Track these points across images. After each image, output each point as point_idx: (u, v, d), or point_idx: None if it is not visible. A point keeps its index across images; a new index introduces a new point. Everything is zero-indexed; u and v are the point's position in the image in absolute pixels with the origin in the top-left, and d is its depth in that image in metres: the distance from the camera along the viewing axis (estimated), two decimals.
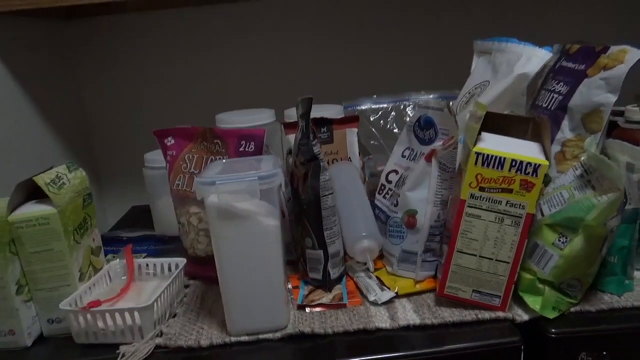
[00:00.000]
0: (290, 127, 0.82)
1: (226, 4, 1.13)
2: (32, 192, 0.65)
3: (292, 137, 0.81)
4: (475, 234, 0.60)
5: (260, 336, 0.62)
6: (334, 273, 0.70)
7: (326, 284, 0.69)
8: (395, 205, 0.71)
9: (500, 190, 0.58)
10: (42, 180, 0.63)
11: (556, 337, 0.59)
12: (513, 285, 0.61)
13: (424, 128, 0.71)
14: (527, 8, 1.15)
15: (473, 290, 0.62)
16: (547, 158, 0.58)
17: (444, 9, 1.15)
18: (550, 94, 0.72)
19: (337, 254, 0.70)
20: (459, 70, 0.90)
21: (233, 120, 0.89)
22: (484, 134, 0.61)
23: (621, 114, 0.77)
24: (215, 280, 0.69)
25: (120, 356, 0.60)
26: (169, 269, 0.75)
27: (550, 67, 0.75)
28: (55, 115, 1.04)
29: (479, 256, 0.61)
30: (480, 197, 0.59)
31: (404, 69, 1.18)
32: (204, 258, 0.76)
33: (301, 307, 0.67)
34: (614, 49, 0.65)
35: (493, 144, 0.59)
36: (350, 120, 0.84)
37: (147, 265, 0.75)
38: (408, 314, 0.63)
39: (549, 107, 0.71)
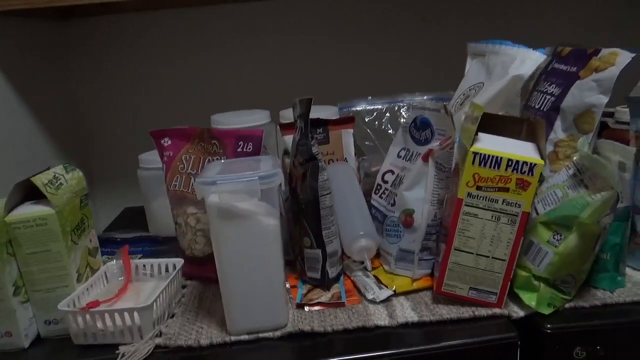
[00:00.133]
0: (286, 127, 0.83)
1: (221, 5, 1.13)
2: (29, 193, 0.65)
3: (288, 138, 0.82)
4: (472, 232, 0.61)
5: (260, 335, 0.62)
6: (332, 272, 0.70)
7: (324, 283, 0.70)
8: (393, 205, 0.72)
9: (496, 189, 0.59)
10: (39, 180, 0.63)
11: (551, 333, 0.61)
12: (509, 283, 0.62)
13: (420, 128, 0.72)
14: (520, 12, 1.17)
15: (470, 287, 0.63)
16: (543, 157, 0.59)
17: (438, 12, 1.17)
18: (542, 96, 0.73)
19: (335, 253, 0.71)
20: (453, 72, 0.91)
21: (229, 121, 0.90)
22: (481, 134, 0.62)
23: (611, 115, 0.79)
24: (213, 280, 0.69)
25: (120, 356, 0.60)
26: (166, 270, 0.75)
27: (542, 69, 0.76)
28: (48, 116, 1.04)
29: (476, 254, 0.62)
30: (477, 196, 0.60)
31: (398, 70, 1.19)
32: (201, 258, 0.76)
33: (300, 306, 0.67)
34: (605, 51, 0.67)
35: (489, 144, 0.60)
36: (346, 121, 0.85)
37: (145, 265, 0.75)
38: (406, 312, 0.64)
39: (542, 108, 0.73)
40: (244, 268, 0.60)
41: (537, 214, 0.64)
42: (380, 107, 0.95)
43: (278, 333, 0.62)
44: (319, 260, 0.69)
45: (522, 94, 0.79)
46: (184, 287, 0.76)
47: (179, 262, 0.73)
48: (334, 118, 0.85)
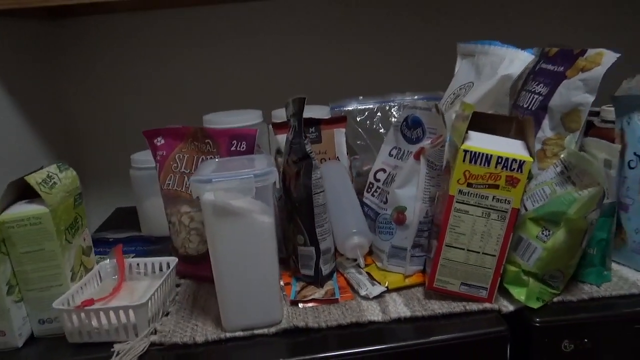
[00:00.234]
0: (279, 127, 0.84)
1: (212, 6, 1.13)
2: (23, 192, 0.65)
3: (280, 137, 0.83)
4: (463, 228, 0.62)
5: (255, 331, 0.63)
6: (325, 269, 0.71)
7: (318, 280, 0.71)
8: (385, 203, 0.73)
9: (487, 186, 0.61)
10: (33, 179, 0.63)
11: (540, 326, 0.62)
12: (499, 278, 0.64)
13: (412, 127, 0.74)
14: (508, 13, 1.19)
15: (461, 283, 0.64)
16: (531, 155, 0.61)
17: (428, 13, 1.18)
18: (531, 95, 0.75)
19: (328, 251, 0.71)
20: (443, 72, 0.92)
21: (221, 120, 0.90)
22: (471, 133, 0.63)
23: (597, 114, 0.81)
24: (207, 278, 0.70)
25: (115, 354, 0.60)
26: (160, 269, 0.75)
27: (530, 69, 0.78)
28: (39, 116, 1.03)
29: (467, 250, 0.63)
30: (468, 192, 0.61)
31: (389, 70, 1.21)
32: (195, 257, 0.77)
33: (294, 303, 0.68)
34: (591, 51, 0.68)
35: (480, 142, 0.61)
36: (338, 120, 0.85)
37: (138, 264, 0.75)
38: (399, 307, 0.65)
39: (530, 107, 0.74)
40: (239, 265, 0.61)
41: (526, 210, 0.65)
42: (371, 106, 0.96)
43: (273, 329, 0.63)
44: (313, 258, 0.70)
45: (511, 93, 0.80)
46: (178, 285, 0.76)
47: (173, 260, 0.73)
48: (326, 117, 0.86)
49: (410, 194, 0.70)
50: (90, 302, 0.64)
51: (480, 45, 0.81)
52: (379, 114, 0.95)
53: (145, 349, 0.61)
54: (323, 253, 0.70)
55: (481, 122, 0.65)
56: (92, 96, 1.17)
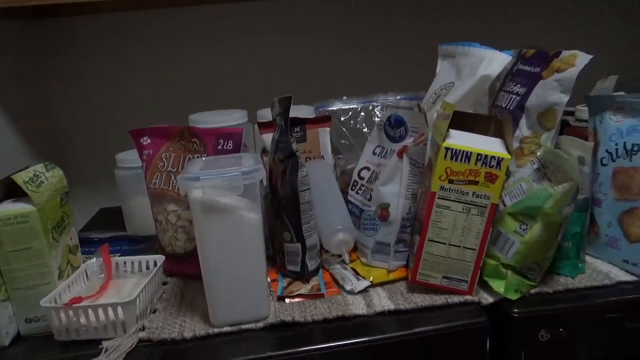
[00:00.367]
0: (264, 126, 0.85)
1: (197, 6, 1.14)
2: (9, 191, 0.65)
3: (266, 137, 0.84)
4: (445, 223, 0.65)
5: (243, 326, 0.64)
6: (311, 265, 0.73)
7: (304, 276, 0.72)
8: (369, 200, 0.75)
9: (467, 182, 0.63)
10: (20, 178, 0.63)
11: (518, 317, 0.65)
12: (479, 271, 0.66)
13: (395, 126, 0.76)
14: (488, 16, 1.23)
15: (443, 276, 0.67)
16: (509, 152, 0.63)
17: (410, 16, 1.21)
18: (508, 95, 0.78)
19: (314, 247, 0.73)
20: (425, 73, 0.95)
21: (207, 120, 0.91)
22: (452, 131, 0.65)
23: (572, 113, 0.84)
24: (194, 276, 0.71)
25: (103, 351, 0.61)
26: (147, 267, 0.75)
27: (508, 70, 0.81)
28: (22, 116, 1.02)
29: (448, 244, 0.65)
30: (449, 189, 0.63)
31: (373, 71, 1.23)
32: (182, 255, 0.77)
33: (281, 298, 0.69)
34: (565, 53, 0.71)
35: (460, 140, 0.64)
36: (323, 120, 0.87)
37: (125, 263, 0.76)
38: (383, 301, 0.67)
39: (508, 107, 0.77)
40: (227, 261, 0.62)
41: (505, 205, 0.67)
42: (355, 106, 0.98)
43: (260, 324, 0.64)
44: (299, 254, 0.72)
45: (490, 93, 0.83)
46: (164, 284, 0.77)
47: (160, 258, 0.74)
48: (311, 117, 0.87)
49: (394, 191, 0.72)
50: (79, 299, 0.64)
51: (460, 47, 0.83)
52: (362, 113, 0.97)
53: (134, 345, 0.62)
54: (309, 249, 0.72)
55: (461, 121, 0.67)
56: (77, 96, 1.16)
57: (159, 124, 0.79)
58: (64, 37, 1.12)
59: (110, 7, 1.03)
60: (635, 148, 0.68)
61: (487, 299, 0.67)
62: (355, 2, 1.19)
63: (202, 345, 0.62)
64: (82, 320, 0.62)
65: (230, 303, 0.63)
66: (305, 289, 0.70)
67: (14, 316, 0.65)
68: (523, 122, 0.74)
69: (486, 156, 0.62)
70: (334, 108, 0.98)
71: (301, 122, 0.85)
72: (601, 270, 0.72)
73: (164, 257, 0.74)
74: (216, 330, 0.63)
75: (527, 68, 0.76)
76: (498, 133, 0.68)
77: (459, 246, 0.65)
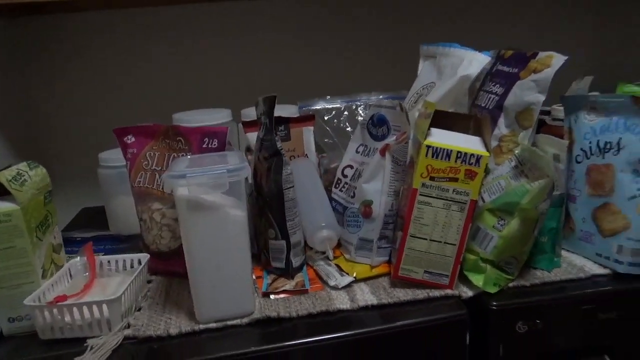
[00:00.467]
0: (249, 125, 0.86)
1: (180, 5, 1.14)
2: None
3: (250, 135, 0.85)
4: (426, 219, 0.66)
5: (229, 322, 0.64)
6: (295, 262, 0.74)
7: (289, 272, 0.73)
8: (352, 197, 0.77)
9: (447, 179, 0.65)
10: (3, 177, 0.62)
11: (497, 310, 0.67)
12: (459, 265, 0.68)
13: (377, 125, 0.77)
14: (468, 17, 1.25)
15: (424, 271, 0.68)
16: (488, 150, 0.65)
17: (393, 17, 1.23)
18: (488, 95, 0.79)
19: (298, 244, 0.74)
20: (407, 73, 0.96)
21: (191, 119, 0.91)
22: (433, 130, 0.67)
23: (548, 113, 0.86)
24: (179, 274, 0.71)
25: (89, 349, 0.61)
26: (131, 265, 0.75)
27: (488, 71, 0.83)
28: (4, 114, 1.01)
29: (430, 240, 0.67)
30: (431, 186, 0.65)
31: (356, 71, 1.24)
32: (167, 253, 0.78)
33: (266, 295, 0.70)
34: (542, 54, 0.73)
35: (441, 138, 0.65)
36: (307, 119, 0.88)
37: (109, 261, 0.76)
38: (366, 296, 0.68)
39: (487, 106, 0.79)
40: (212, 258, 0.63)
41: (484, 202, 0.69)
42: (338, 106, 0.99)
43: (246, 320, 0.65)
44: (284, 251, 0.73)
45: (470, 93, 0.85)
46: (149, 282, 0.77)
47: (145, 256, 0.74)
48: (295, 116, 0.88)
49: (377, 188, 0.74)
50: (63, 298, 0.64)
51: (441, 48, 0.85)
52: (345, 112, 0.99)
53: (119, 342, 0.62)
54: (293, 246, 0.73)
55: (442, 119, 0.69)
56: (60, 94, 1.15)
57: (142, 123, 0.79)
58: (47, 36, 1.11)
59: (92, 5, 1.03)
60: (608, 146, 0.71)
61: (467, 292, 0.69)
62: (339, 3, 1.20)
63: (188, 342, 0.63)
64: (67, 318, 0.62)
65: (216, 299, 0.64)
66: (289, 285, 0.71)
67: None
68: (502, 121, 0.76)
69: (466, 154, 0.64)
70: (318, 107, 0.99)
71: (285, 121, 0.86)
72: (576, 264, 0.74)
73: (148, 256, 0.75)
74: (202, 326, 0.64)
75: (505, 69, 0.79)
76: (477, 131, 0.70)
77: (440, 241, 0.67)
